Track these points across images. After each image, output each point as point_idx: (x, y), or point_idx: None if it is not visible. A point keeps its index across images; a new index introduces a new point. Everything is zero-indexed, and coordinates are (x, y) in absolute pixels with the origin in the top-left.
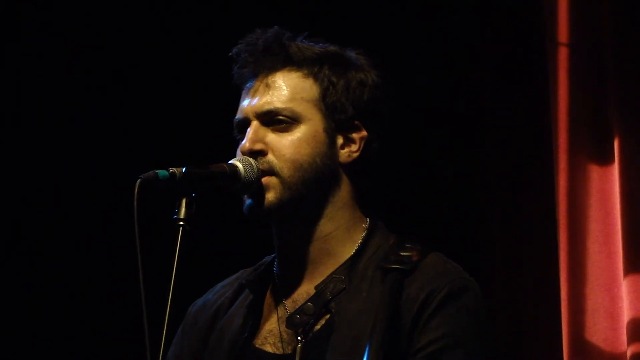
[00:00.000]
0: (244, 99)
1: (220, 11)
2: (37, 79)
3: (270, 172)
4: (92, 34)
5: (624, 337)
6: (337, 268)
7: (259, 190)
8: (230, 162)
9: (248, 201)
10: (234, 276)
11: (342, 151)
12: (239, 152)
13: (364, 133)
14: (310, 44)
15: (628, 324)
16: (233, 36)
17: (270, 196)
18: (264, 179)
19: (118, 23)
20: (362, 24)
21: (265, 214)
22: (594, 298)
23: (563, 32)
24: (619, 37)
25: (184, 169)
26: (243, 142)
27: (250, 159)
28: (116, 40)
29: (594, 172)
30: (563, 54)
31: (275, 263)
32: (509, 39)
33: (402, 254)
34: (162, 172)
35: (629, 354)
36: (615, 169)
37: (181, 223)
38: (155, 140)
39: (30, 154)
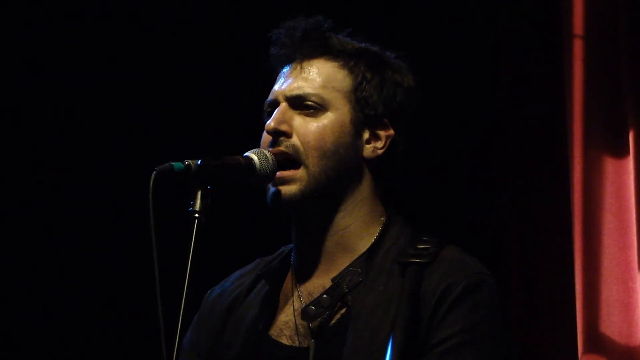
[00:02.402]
0: (277, 82)
1: (245, 6)
2: (50, 70)
3: (297, 160)
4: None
5: (638, 330)
6: (354, 261)
7: (280, 182)
8: (245, 154)
9: (271, 191)
10: (252, 265)
11: (367, 146)
12: (265, 135)
13: (392, 132)
14: (354, 41)
15: None
16: (261, 29)
17: (293, 188)
18: (285, 173)
19: (141, 11)
20: (375, 20)
21: (287, 205)
22: (608, 291)
23: (578, 24)
24: (634, 29)
25: (199, 161)
26: (268, 122)
27: (266, 152)
28: (133, 29)
29: (609, 164)
30: (578, 46)
31: (293, 254)
32: (525, 32)
33: (419, 247)
34: (177, 164)
35: None
36: (630, 161)
37: (197, 215)
38: (171, 132)
39: (44, 147)
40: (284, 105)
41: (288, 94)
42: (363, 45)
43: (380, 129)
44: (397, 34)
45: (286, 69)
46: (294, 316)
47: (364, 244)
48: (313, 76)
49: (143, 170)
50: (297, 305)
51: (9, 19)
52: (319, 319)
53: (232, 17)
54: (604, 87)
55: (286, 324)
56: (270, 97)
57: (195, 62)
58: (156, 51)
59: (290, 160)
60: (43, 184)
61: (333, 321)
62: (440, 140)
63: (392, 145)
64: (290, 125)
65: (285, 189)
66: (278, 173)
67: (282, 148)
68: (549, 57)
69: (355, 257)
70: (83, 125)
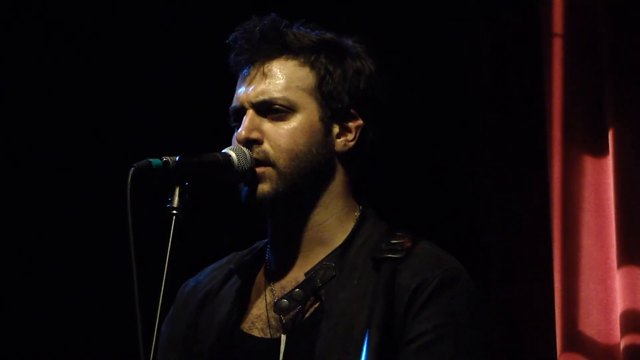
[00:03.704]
0: (239, 87)
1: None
2: (28, 68)
3: (266, 162)
4: (85, 24)
5: (617, 329)
6: (327, 255)
7: (254, 180)
8: (223, 151)
9: (244, 190)
10: (226, 259)
11: (338, 140)
12: (234, 141)
13: (360, 122)
14: (307, 31)
15: (621, 315)
16: (229, 23)
17: (265, 187)
18: (260, 169)
19: (113, 12)
20: (354, 9)
21: (260, 204)
22: (587, 290)
23: (558, 23)
24: (614, 28)
25: (177, 158)
26: (239, 130)
27: (244, 148)
28: (109, 29)
29: (588, 163)
30: (558, 45)
31: (268, 249)
32: (504, 30)
33: (393, 242)
34: (155, 161)
35: (622, 345)
36: (610, 160)
37: (174, 212)
38: (149, 129)
39: (19, 144)
40: (251, 112)
41: (254, 100)
42: (319, 34)
43: (349, 121)
44: (372, 33)
45: (247, 72)
46: (266, 310)
47: (338, 239)
48: (276, 78)
49: (121, 167)
50: (269, 299)
51: (8, 18)
52: (292, 313)
53: (231, 17)
54: (584, 86)
55: (258, 317)
56: (235, 103)
57: (195, 62)
58: (156, 51)
59: (263, 162)
60: (18, 179)
61: (306, 315)
62: (419, 138)
63: (363, 135)
64: (261, 132)
65: (259, 188)
66: (258, 169)
67: (254, 155)
68: (529, 55)
69: (330, 251)
70: (82, 125)
